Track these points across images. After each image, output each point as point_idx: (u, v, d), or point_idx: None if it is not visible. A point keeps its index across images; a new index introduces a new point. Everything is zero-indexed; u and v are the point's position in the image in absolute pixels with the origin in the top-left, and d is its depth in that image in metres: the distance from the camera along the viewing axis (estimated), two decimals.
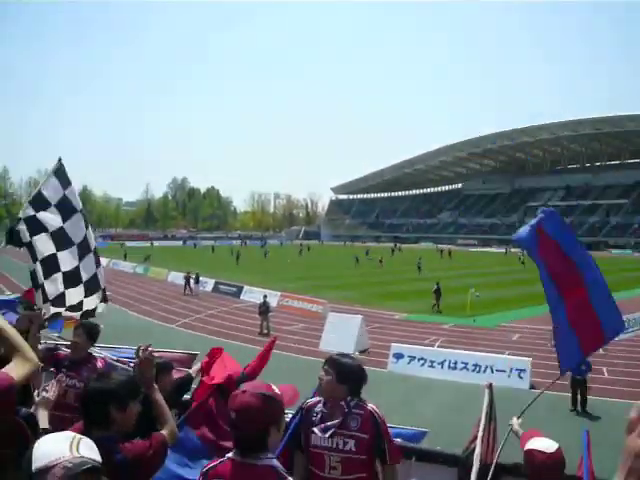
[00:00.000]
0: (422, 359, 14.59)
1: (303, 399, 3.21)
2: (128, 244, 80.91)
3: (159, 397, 2.81)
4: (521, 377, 13.08)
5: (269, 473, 2.07)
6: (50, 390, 2.85)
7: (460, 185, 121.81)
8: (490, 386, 3.13)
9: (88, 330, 4.40)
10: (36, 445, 1.57)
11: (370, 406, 3.01)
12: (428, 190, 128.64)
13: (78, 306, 4.88)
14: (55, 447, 1.53)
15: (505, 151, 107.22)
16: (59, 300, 4.67)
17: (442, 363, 14.29)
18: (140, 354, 2.95)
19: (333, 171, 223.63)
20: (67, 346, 4.61)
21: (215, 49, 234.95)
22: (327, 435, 2.94)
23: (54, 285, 4.62)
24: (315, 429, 2.99)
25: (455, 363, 14.13)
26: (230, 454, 2.14)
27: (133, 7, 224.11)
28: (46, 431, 2.33)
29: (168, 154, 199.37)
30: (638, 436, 0.83)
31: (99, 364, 4.35)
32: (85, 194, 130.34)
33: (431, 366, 14.37)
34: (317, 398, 3.15)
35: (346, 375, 2.99)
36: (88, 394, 2.37)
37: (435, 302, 24.26)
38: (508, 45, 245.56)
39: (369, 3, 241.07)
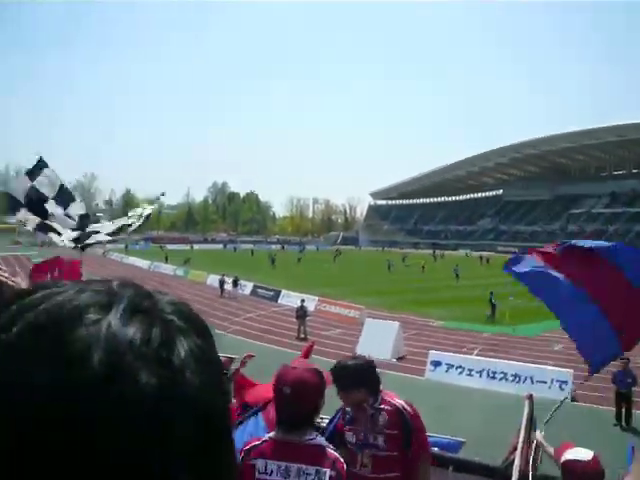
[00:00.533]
0: (460, 367, 14.42)
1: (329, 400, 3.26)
2: (169, 247, 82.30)
3: None
4: (562, 389, 12.74)
5: (318, 451, 2.11)
6: None
7: (501, 191, 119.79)
8: (530, 397, 3.11)
9: None
10: None
11: (399, 401, 3.01)
12: (468, 196, 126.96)
13: None
14: None
15: (547, 156, 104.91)
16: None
17: (481, 372, 14.10)
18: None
19: (372, 176, 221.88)
20: None
21: (258, 50, 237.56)
22: (356, 435, 3.00)
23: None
24: (347, 427, 3.06)
25: (494, 372, 13.93)
26: (271, 434, 2.19)
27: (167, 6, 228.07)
28: None
29: (209, 157, 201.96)
30: None
31: None
32: (128, 197, 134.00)
33: (469, 375, 14.20)
34: None
35: (351, 380, 2.92)
36: None
37: (490, 312, 23.81)
38: (553, 45, 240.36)
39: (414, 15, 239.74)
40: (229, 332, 19.90)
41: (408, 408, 3.00)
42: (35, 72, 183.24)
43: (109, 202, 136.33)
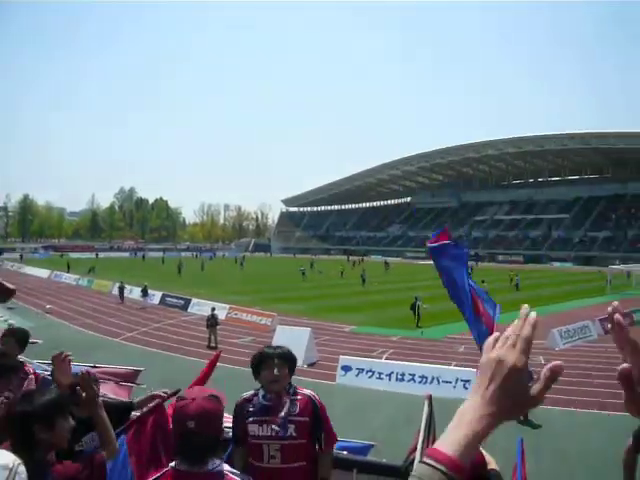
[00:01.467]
0: (370, 371, 14.69)
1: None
2: (72, 255, 78.47)
3: (103, 415, 2.75)
4: (466, 388, 13.33)
5: (219, 478, 2.06)
6: None
7: (409, 199, 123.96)
8: (429, 397, 3.20)
9: (17, 336, 4.13)
10: None
11: (308, 391, 3.16)
12: (378, 203, 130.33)
13: None
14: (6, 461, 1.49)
15: (453, 166, 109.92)
16: None
17: (390, 375, 14.42)
18: (55, 362, 2.90)
19: (284, 183, 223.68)
20: None
21: (162, 59, 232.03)
22: (267, 425, 3.00)
23: None
24: (253, 419, 3.04)
25: (402, 375, 14.29)
26: (172, 464, 2.10)
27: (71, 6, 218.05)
28: None
29: (116, 164, 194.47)
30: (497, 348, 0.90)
31: (30, 373, 4.07)
32: (26, 203, 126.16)
33: (379, 378, 14.49)
34: (252, 392, 3.21)
35: (294, 364, 3.22)
36: (10, 418, 2.30)
37: (415, 317, 23.77)
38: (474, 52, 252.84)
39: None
40: (130, 342, 19.20)
41: (317, 397, 3.16)
42: None
43: (4, 208, 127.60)
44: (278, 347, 3.31)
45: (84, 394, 2.75)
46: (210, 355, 13.88)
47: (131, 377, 6.79)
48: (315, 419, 3.06)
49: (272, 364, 3.08)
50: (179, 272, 50.83)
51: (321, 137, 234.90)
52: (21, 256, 72.23)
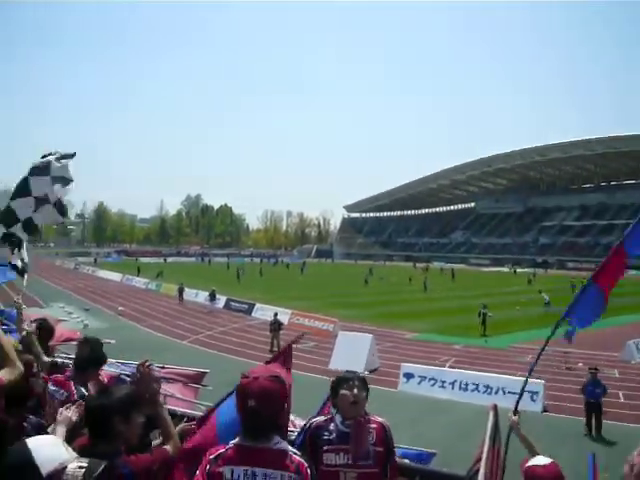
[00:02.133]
0: (433, 379, 14.49)
1: (305, 414, 3.19)
2: (142, 260, 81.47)
3: (164, 412, 2.85)
4: (533, 400, 12.88)
5: (283, 455, 2.16)
6: (71, 409, 2.92)
7: (473, 204, 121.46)
8: (495, 407, 3.14)
9: (92, 345, 4.38)
10: (31, 450, 1.58)
11: (380, 419, 3.00)
12: (441, 209, 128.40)
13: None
14: (55, 451, 1.57)
15: (518, 170, 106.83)
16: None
17: (453, 384, 14.17)
18: (141, 369, 3.01)
19: (346, 189, 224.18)
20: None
21: (229, 63, 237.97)
22: (344, 454, 2.86)
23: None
24: (328, 448, 2.89)
25: (466, 384, 14.01)
26: (236, 440, 2.20)
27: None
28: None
29: (183, 171, 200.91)
30: None
31: (104, 379, 4.32)
32: (100, 209, 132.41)
33: (442, 387, 14.26)
34: (325, 417, 3.06)
35: (368, 391, 3.01)
36: (90, 410, 2.43)
37: (482, 326, 23.17)
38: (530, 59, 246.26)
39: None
40: (196, 344, 19.71)
41: (388, 425, 3.00)
42: None
43: (81, 215, 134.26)
44: (353, 372, 3.18)
45: (146, 390, 2.86)
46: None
47: (197, 379, 6.98)
48: (388, 450, 2.95)
49: (352, 385, 2.96)
50: (238, 278, 51.34)
51: (385, 142, 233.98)
52: (95, 260, 75.93)
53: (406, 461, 3.99)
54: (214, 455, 2.20)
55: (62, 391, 3.71)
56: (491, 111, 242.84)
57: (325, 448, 2.89)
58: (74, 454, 1.58)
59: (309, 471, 2.19)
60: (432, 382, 14.43)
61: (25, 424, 3.02)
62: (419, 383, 14.55)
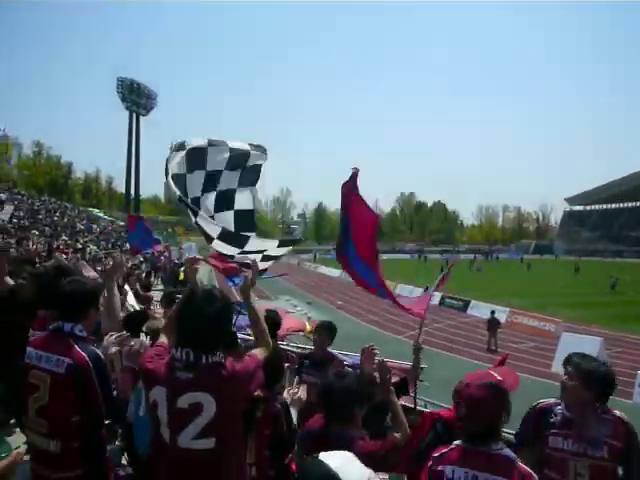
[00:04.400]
0: None
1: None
2: None
3: (394, 398, 2.96)
4: None
5: (506, 462, 2.14)
6: (301, 391, 3.24)
7: None
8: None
9: (328, 328, 4.80)
10: (339, 469, 1.55)
11: (619, 413, 2.88)
12: None
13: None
14: (362, 471, 1.66)
15: None
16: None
17: None
18: (364, 352, 3.20)
19: (566, 181, 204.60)
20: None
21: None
22: (571, 440, 2.84)
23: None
24: (555, 432, 2.91)
25: None
26: (458, 442, 2.26)
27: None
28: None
29: (396, 169, 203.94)
30: None
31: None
32: (320, 209, 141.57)
33: None
34: (553, 399, 3.07)
35: (594, 382, 2.86)
36: (334, 391, 2.61)
37: None
38: None
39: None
40: (413, 340, 19.89)
41: (631, 422, 2.87)
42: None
43: (302, 215, 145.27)
44: (587, 358, 3.00)
45: (379, 380, 3.03)
46: (492, 358, 13.74)
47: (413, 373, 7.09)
48: (628, 447, 2.77)
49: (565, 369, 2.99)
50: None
51: (612, 124, 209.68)
52: (315, 256, 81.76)
53: None
54: (437, 454, 2.29)
55: None
56: None
57: (550, 431, 2.92)
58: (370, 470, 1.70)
59: None
60: None
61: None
62: None
